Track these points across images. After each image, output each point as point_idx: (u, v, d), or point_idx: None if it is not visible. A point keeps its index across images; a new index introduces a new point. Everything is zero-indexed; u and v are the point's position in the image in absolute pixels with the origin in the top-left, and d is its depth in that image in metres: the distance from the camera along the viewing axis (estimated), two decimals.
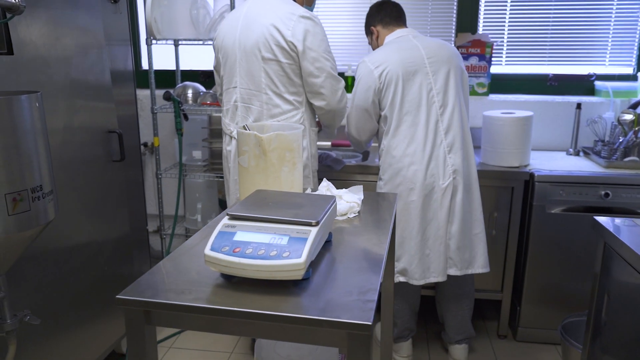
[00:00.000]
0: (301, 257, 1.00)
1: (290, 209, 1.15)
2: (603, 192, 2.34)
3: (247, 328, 0.97)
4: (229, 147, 2.19)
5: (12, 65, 1.63)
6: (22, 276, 1.73)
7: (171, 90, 2.78)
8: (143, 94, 3.08)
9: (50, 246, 1.85)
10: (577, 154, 2.74)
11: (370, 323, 0.89)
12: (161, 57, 3.10)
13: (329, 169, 2.47)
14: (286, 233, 1.06)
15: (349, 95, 2.99)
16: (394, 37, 2.17)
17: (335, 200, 1.25)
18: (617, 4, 2.82)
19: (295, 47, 1.93)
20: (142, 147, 3.16)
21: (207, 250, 1.04)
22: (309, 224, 1.08)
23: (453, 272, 2.15)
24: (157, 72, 3.06)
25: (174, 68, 3.07)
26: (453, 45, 2.97)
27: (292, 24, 1.93)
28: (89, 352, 2.10)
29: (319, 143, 3.04)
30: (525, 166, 2.49)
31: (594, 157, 2.58)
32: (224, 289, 1.04)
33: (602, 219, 1.72)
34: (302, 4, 2.11)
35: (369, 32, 2.30)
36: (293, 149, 1.46)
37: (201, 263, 1.15)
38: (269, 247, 1.03)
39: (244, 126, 1.54)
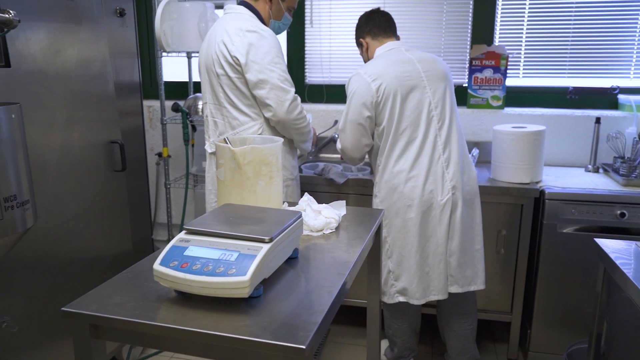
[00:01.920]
0: (246, 275, 0.97)
1: (249, 225, 1.13)
2: (619, 212, 2.21)
3: (184, 346, 0.95)
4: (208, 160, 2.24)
5: (9, 78, 1.68)
6: (15, 284, 1.77)
7: (181, 102, 2.82)
8: (157, 104, 3.13)
9: (46, 255, 1.89)
10: (596, 170, 2.61)
11: (304, 347, 0.86)
12: (175, 69, 3.16)
13: (331, 182, 2.44)
14: (237, 249, 1.04)
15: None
16: (385, 50, 2.11)
17: (300, 216, 1.22)
18: None
19: (238, 61, 1.96)
20: (156, 157, 3.22)
21: (156, 265, 1.03)
22: (262, 241, 1.05)
23: (454, 289, 2.07)
24: (171, 83, 3.12)
25: (187, 79, 3.11)
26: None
27: (238, 39, 1.96)
28: None
29: (327, 155, 3.03)
30: (537, 183, 2.39)
31: (613, 175, 2.45)
32: (174, 304, 1.03)
33: (603, 242, 1.62)
34: (267, 19, 2.11)
35: (358, 44, 2.24)
36: (270, 162, 1.44)
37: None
38: (217, 264, 1.01)
39: (224, 139, 1.54)
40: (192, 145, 2.95)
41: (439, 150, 2.00)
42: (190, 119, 2.76)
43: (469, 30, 2.89)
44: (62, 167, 1.94)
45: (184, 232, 1.12)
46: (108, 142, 2.17)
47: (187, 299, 1.04)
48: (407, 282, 2.05)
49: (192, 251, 1.05)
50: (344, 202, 1.59)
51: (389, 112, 2.00)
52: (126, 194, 2.30)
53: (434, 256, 2.03)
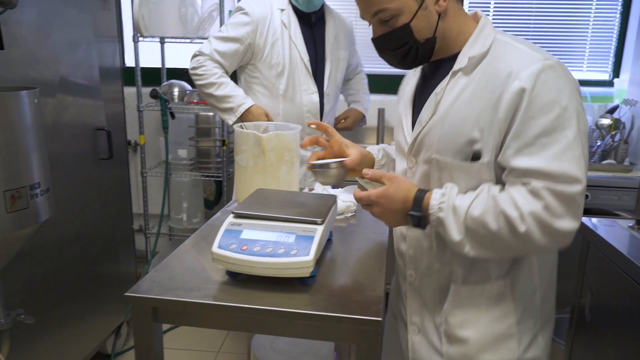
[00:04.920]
0: (309, 255, 1.01)
1: (294, 208, 1.17)
2: None
3: (257, 325, 0.99)
4: None
5: (3, 61, 1.60)
6: (10, 275, 1.70)
7: (157, 88, 2.76)
8: (128, 91, 3.03)
9: (38, 245, 1.82)
10: None
11: (380, 319, 0.92)
12: (145, 55, 3.07)
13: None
14: (292, 231, 1.07)
15: None
16: (495, 30, 1.10)
17: (336, 200, 1.27)
18: (595, 12, 2.91)
19: None
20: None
21: (215, 248, 1.05)
22: (315, 222, 1.09)
23: None
24: (142, 69, 3.03)
25: (158, 65, 3.04)
26: None
27: None
28: (75, 352, 2.07)
29: None
30: None
31: None
32: (231, 286, 1.05)
33: (584, 220, 1.79)
34: None
35: None
36: (291, 148, 1.48)
37: (205, 261, 1.16)
38: (277, 245, 1.04)
39: (240, 125, 1.55)
40: (167, 133, 2.89)
41: None
42: (168, 105, 2.71)
43: None
44: (52, 155, 1.85)
45: (232, 216, 1.14)
46: (94, 129, 2.11)
47: (241, 281, 1.07)
48: None
49: (248, 234, 1.07)
50: (355, 187, 1.65)
51: None
52: (111, 183, 2.24)
53: None
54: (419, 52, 1.10)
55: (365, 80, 2.51)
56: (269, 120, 2.10)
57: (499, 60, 1.02)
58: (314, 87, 2.12)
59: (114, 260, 2.33)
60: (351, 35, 2.31)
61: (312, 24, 2.11)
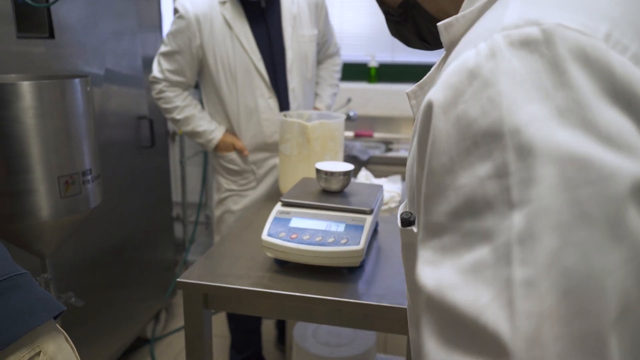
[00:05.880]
0: (359, 244, 1.01)
1: (341, 197, 1.16)
2: None
3: (305, 313, 0.99)
4: None
5: (53, 50, 1.64)
6: (58, 260, 1.74)
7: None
8: None
9: (83, 231, 1.87)
10: None
11: None
12: None
13: (355, 159, 2.47)
14: (342, 220, 1.07)
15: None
16: None
17: (382, 189, 1.26)
18: None
19: None
20: None
21: (264, 236, 1.05)
22: (364, 212, 1.08)
23: None
24: None
25: None
26: None
27: None
28: (117, 336, 2.12)
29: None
30: None
31: None
32: (279, 274, 1.05)
33: None
34: None
35: None
36: (335, 137, 1.47)
37: (251, 249, 1.17)
38: (326, 234, 1.04)
39: (284, 114, 1.55)
40: None
41: None
42: None
43: None
44: (99, 142, 1.90)
45: (280, 204, 1.14)
46: (137, 118, 2.14)
47: (289, 270, 1.07)
48: None
49: (297, 222, 1.07)
50: (399, 177, 1.63)
51: None
52: (152, 171, 2.28)
53: None
54: (407, 24, 0.65)
55: (338, 67, 2.10)
56: (237, 148, 1.86)
57: (467, 37, 0.46)
58: (269, 92, 1.78)
59: (154, 248, 2.37)
60: (320, 9, 1.89)
61: (263, 10, 1.74)
